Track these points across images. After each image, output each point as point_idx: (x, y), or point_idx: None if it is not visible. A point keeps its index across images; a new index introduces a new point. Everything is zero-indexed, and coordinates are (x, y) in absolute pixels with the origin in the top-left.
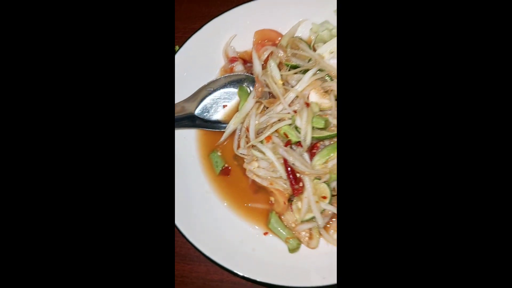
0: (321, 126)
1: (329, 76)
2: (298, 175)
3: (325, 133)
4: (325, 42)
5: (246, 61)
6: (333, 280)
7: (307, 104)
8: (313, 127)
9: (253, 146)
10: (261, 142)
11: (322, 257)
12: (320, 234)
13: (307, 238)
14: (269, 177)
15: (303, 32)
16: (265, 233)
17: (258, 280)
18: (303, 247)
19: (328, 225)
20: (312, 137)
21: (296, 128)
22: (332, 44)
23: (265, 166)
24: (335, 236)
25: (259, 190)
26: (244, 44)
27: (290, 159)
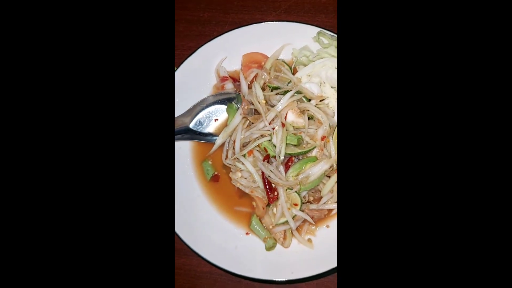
0: (295, 143)
1: (305, 97)
2: (273, 185)
3: (297, 150)
4: (304, 65)
5: (236, 79)
6: (300, 275)
7: (283, 124)
8: (287, 144)
9: (237, 158)
10: (244, 155)
11: (293, 255)
12: (293, 235)
13: (282, 238)
14: (250, 186)
15: (286, 55)
16: (247, 233)
17: (238, 273)
18: (278, 246)
19: (300, 228)
20: (286, 153)
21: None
22: (310, 69)
23: (247, 176)
24: (306, 237)
25: (244, 195)
26: (234, 64)
27: (266, 172)
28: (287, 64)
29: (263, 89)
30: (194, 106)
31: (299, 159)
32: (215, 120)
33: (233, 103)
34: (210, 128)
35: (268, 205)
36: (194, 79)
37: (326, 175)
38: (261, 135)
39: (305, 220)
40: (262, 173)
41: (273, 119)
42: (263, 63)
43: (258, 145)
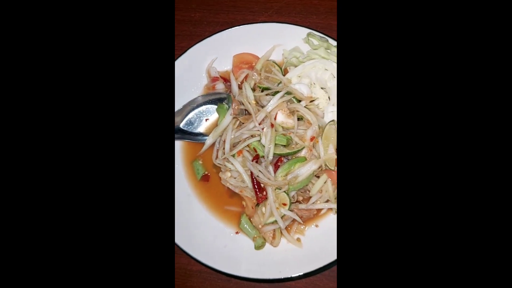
0: (284, 143)
1: (295, 98)
2: (262, 185)
3: (286, 150)
4: (295, 66)
5: (226, 80)
6: (289, 274)
7: (272, 125)
8: (276, 144)
9: (227, 158)
10: (233, 155)
11: (282, 254)
12: (282, 234)
13: (271, 238)
14: (239, 186)
15: (277, 55)
16: (237, 232)
17: (227, 272)
18: (267, 245)
19: (289, 227)
20: (275, 153)
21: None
22: (300, 70)
23: (236, 176)
24: (295, 236)
25: (234, 195)
26: (225, 64)
27: (255, 172)
28: (278, 65)
29: (253, 89)
30: (185, 106)
31: (288, 159)
32: (206, 120)
33: (223, 103)
34: (201, 128)
35: (258, 204)
36: (185, 79)
37: (315, 175)
38: (251, 136)
39: (294, 220)
40: (251, 173)
41: (263, 120)
42: (253, 64)
43: (247, 145)
